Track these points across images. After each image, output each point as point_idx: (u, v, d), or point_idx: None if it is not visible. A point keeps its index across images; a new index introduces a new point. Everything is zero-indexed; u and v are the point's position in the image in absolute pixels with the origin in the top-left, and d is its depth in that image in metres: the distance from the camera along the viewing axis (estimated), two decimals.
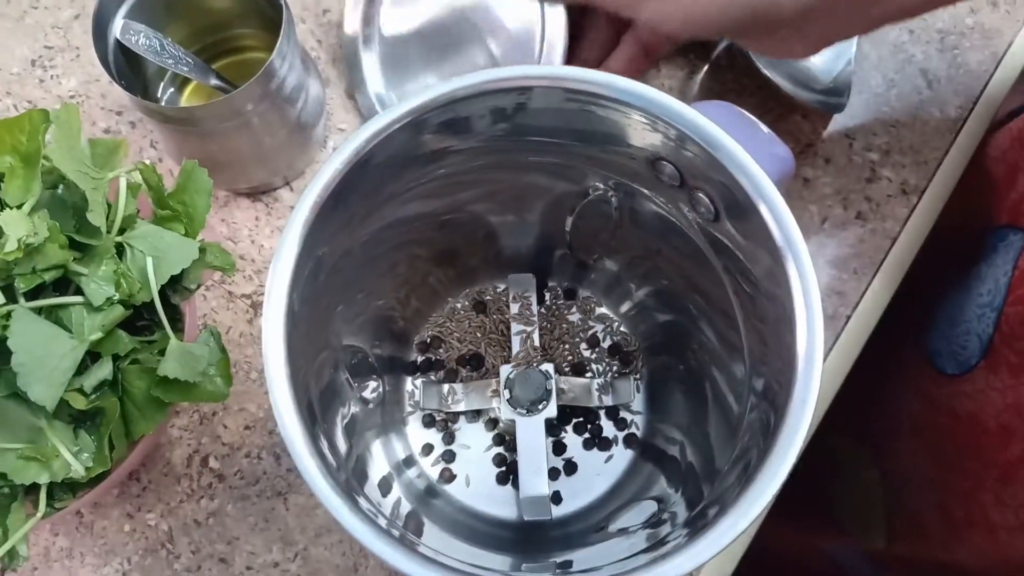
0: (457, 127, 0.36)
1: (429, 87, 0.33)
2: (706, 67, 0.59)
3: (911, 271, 0.56)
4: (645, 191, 0.39)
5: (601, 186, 0.41)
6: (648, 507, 0.42)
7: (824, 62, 0.58)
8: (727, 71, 0.59)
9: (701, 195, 0.35)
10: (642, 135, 0.35)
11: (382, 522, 0.32)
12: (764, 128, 0.40)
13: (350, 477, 0.38)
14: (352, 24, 0.55)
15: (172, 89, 0.54)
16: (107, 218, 0.42)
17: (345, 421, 0.42)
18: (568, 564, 0.40)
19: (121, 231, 0.42)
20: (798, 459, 0.30)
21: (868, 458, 0.66)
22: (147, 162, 0.43)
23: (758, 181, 0.31)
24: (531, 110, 0.35)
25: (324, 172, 0.33)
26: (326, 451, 0.34)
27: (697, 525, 0.32)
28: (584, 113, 0.35)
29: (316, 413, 0.36)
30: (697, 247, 0.39)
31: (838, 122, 0.58)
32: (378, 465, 0.45)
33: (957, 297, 0.54)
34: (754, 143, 0.34)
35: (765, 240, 0.32)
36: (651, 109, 0.33)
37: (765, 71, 0.52)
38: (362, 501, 0.34)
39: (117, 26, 0.46)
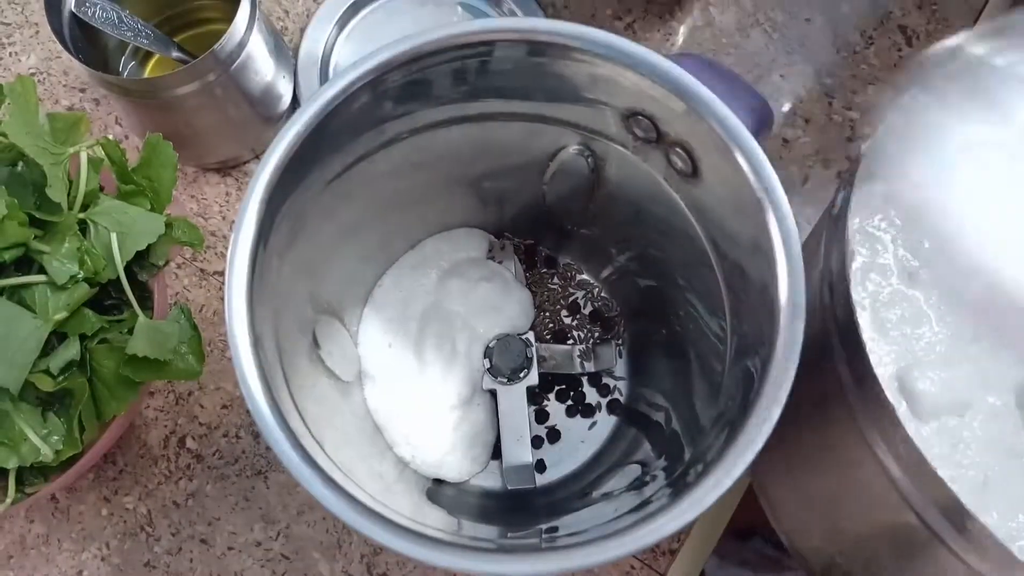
0: (418, 89, 0.35)
1: (388, 45, 0.32)
2: (682, 28, 0.58)
3: None
4: (621, 148, 0.38)
5: (576, 145, 0.40)
6: (632, 471, 0.41)
7: None
8: (704, 30, 0.58)
9: (678, 149, 0.35)
10: (617, 88, 0.34)
11: (365, 498, 0.31)
12: (741, 80, 0.39)
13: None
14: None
15: (134, 63, 0.53)
16: (69, 194, 0.41)
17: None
18: (554, 530, 0.40)
19: (84, 207, 0.41)
20: None
21: None
22: (110, 137, 0.42)
23: (734, 129, 0.30)
24: (495, 68, 0.34)
25: (280, 140, 0.32)
26: (299, 426, 0.33)
27: (680, 485, 0.31)
28: (554, 67, 0.34)
29: (289, 387, 0.35)
30: (676, 207, 0.38)
31: (817, 81, 0.57)
32: None
33: None
34: (731, 94, 0.33)
35: (744, 190, 0.31)
36: (625, 61, 0.32)
37: None
38: (340, 476, 0.33)
39: None
